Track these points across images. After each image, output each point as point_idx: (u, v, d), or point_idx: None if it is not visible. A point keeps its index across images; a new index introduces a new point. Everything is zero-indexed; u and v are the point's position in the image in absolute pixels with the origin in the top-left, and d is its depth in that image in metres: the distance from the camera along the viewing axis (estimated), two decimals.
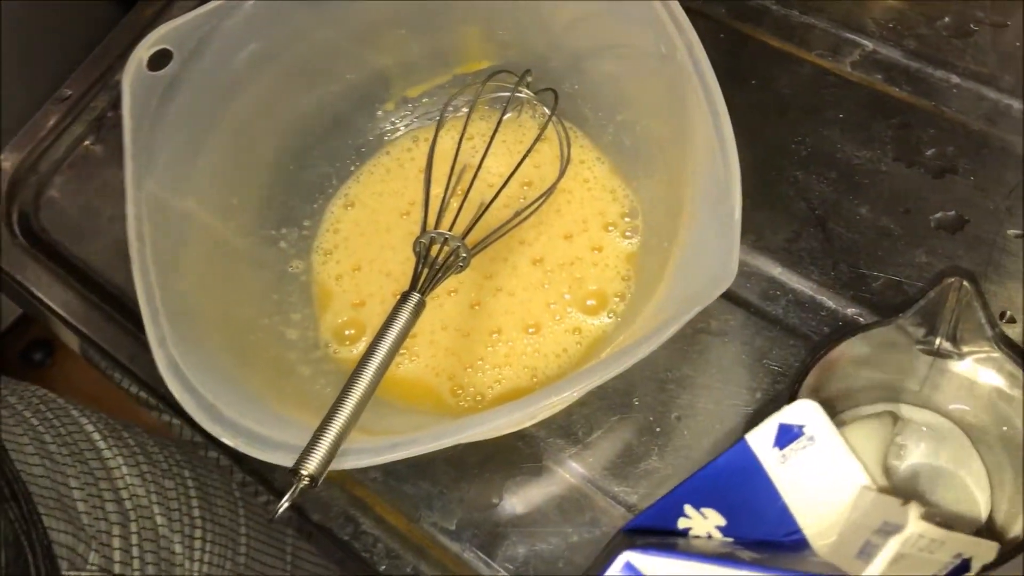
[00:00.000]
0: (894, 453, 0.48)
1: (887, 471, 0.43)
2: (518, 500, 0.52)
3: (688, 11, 0.47)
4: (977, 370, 0.46)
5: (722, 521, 0.42)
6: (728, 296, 0.55)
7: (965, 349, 0.45)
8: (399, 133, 0.62)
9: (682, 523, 0.42)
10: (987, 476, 0.47)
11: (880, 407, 0.49)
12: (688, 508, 0.42)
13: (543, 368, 0.53)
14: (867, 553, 0.37)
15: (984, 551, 0.39)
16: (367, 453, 0.40)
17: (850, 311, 0.54)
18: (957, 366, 0.46)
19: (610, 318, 0.54)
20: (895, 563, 0.37)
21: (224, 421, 0.41)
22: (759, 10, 0.64)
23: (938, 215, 0.55)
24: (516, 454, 0.53)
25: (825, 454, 0.41)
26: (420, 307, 0.45)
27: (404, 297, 0.45)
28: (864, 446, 0.42)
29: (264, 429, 0.41)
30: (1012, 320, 0.51)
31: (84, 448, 0.56)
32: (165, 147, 0.49)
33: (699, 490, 0.42)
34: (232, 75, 0.53)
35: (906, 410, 0.49)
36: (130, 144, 0.48)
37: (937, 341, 0.46)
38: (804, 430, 0.41)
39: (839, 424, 0.41)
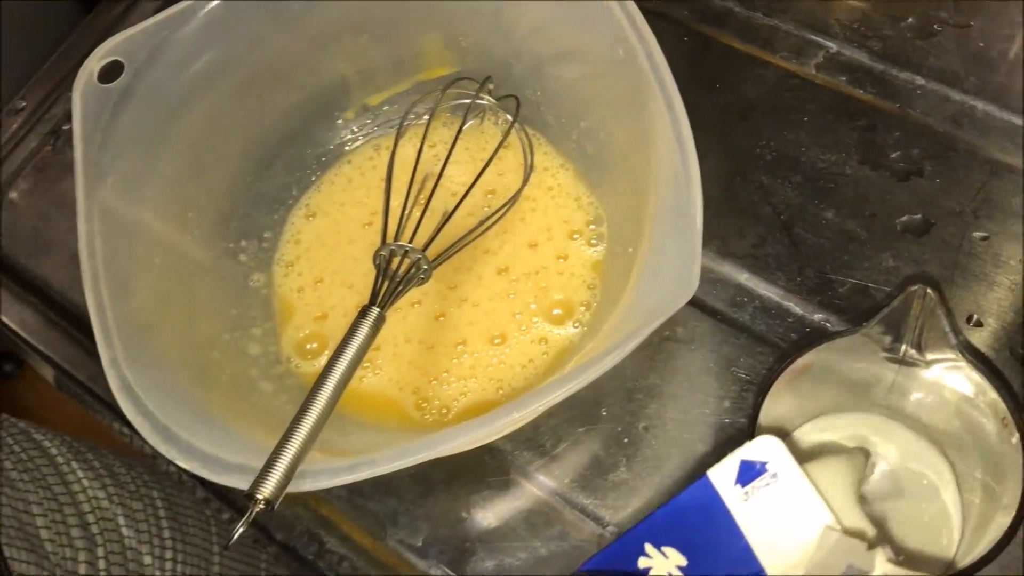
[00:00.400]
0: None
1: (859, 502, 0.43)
2: (485, 515, 0.52)
3: (650, 14, 0.46)
4: (943, 378, 0.45)
5: (683, 561, 0.41)
6: (695, 303, 0.54)
7: (930, 357, 0.45)
8: (360, 142, 0.61)
9: (642, 563, 0.41)
10: (957, 482, 0.47)
11: (850, 418, 0.49)
12: (648, 547, 0.41)
13: (509, 380, 0.53)
14: None
15: None
16: (325, 474, 0.39)
17: (817, 317, 0.53)
18: (924, 374, 0.46)
19: (576, 328, 0.53)
20: None
21: (179, 443, 0.41)
22: (722, 12, 0.63)
23: (904, 218, 0.55)
24: (483, 468, 0.52)
25: (788, 491, 0.40)
26: (380, 322, 0.44)
27: (363, 312, 0.44)
28: (834, 481, 0.42)
29: (220, 450, 0.40)
30: (979, 324, 0.51)
31: (47, 473, 0.55)
32: (119, 160, 0.48)
33: (660, 528, 0.41)
34: (187, 85, 0.52)
35: (874, 417, 0.49)
36: (81, 158, 0.47)
37: (903, 349, 0.45)
38: (767, 467, 0.41)
39: (805, 454, 0.41)
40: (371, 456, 0.39)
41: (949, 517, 0.47)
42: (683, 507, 0.41)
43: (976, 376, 0.44)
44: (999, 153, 0.56)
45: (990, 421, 0.44)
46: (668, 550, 0.41)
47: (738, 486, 0.41)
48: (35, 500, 0.52)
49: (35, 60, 0.72)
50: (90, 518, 0.55)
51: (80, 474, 0.56)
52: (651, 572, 0.41)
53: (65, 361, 0.60)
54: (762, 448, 0.41)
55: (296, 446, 0.39)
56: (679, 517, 0.41)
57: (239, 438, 0.43)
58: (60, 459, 0.56)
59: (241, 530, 0.37)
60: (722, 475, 0.41)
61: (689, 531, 0.41)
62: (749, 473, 0.41)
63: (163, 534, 0.59)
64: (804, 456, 0.42)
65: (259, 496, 0.37)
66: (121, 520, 0.56)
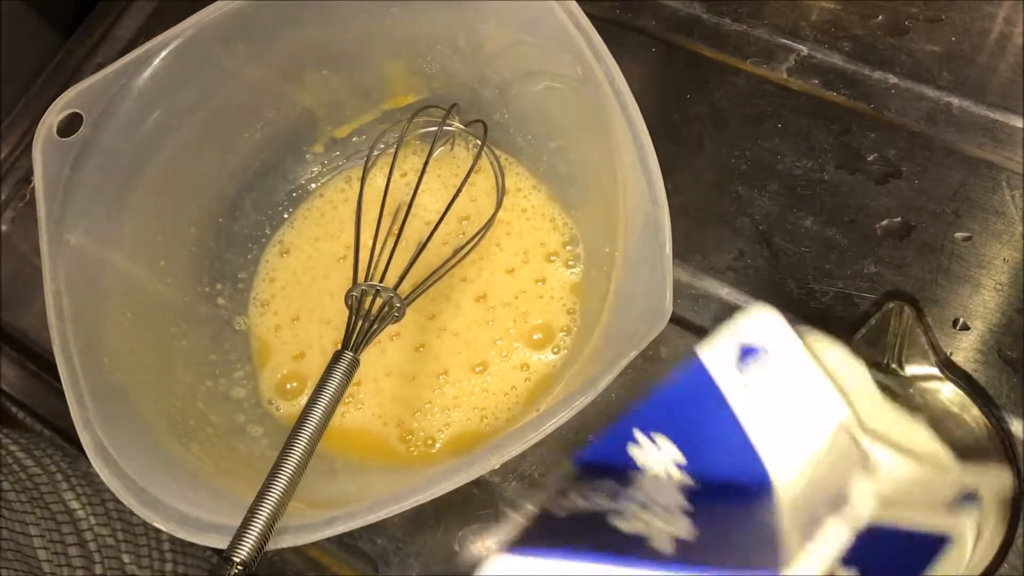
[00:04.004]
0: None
1: None
2: (476, 548, 0.51)
3: (616, 24, 0.45)
4: (927, 392, 0.44)
5: (681, 459, 0.36)
6: (677, 321, 0.53)
7: (912, 372, 0.44)
8: (330, 175, 0.60)
9: (632, 451, 0.36)
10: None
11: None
12: (637, 434, 0.36)
13: (492, 408, 0.52)
14: (837, 503, 0.31)
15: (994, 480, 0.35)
16: (304, 530, 0.39)
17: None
18: (907, 388, 0.45)
19: (556, 353, 0.52)
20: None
21: (155, 504, 0.40)
22: (690, 20, 0.62)
23: (884, 223, 0.54)
24: (471, 501, 0.52)
25: (793, 378, 0.34)
26: (354, 366, 0.44)
27: (336, 357, 0.43)
28: (848, 372, 0.36)
29: (196, 510, 0.40)
30: (966, 327, 0.50)
31: (45, 492, 0.54)
32: (83, 214, 0.47)
33: (650, 417, 0.37)
34: (148, 132, 0.51)
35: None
36: (44, 215, 0.46)
37: (885, 364, 0.45)
38: (768, 347, 0.35)
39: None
40: (350, 508, 0.38)
41: None
42: (674, 395, 0.36)
43: (958, 391, 0.43)
44: (976, 149, 0.55)
45: (974, 434, 0.43)
46: (658, 437, 0.36)
47: (736, 371, 0.35)
48: (32, 521, 0.51)
49: (11, 99, 0.71)
50: (88, 535, 0.54)
51: (79, 490, 0.55)
52: (645, 468, 0.36)
53: (47, 413, 0.59)
54: (760, 325, 0.35)
55: (272, 504, 0.38)
56: (671, 407, 0.36)
57: (219, 493, 0.43)
58: (59, 476, 0.56)
59: None
60: (717, 357, 0.35)
61: (682, 421, 0.36)
62: (747, 356, 0.35)
63: (163, 547, 0.58)
64: None
65: (235, 559, 0.37)
66: (120, 535, 0.55)
